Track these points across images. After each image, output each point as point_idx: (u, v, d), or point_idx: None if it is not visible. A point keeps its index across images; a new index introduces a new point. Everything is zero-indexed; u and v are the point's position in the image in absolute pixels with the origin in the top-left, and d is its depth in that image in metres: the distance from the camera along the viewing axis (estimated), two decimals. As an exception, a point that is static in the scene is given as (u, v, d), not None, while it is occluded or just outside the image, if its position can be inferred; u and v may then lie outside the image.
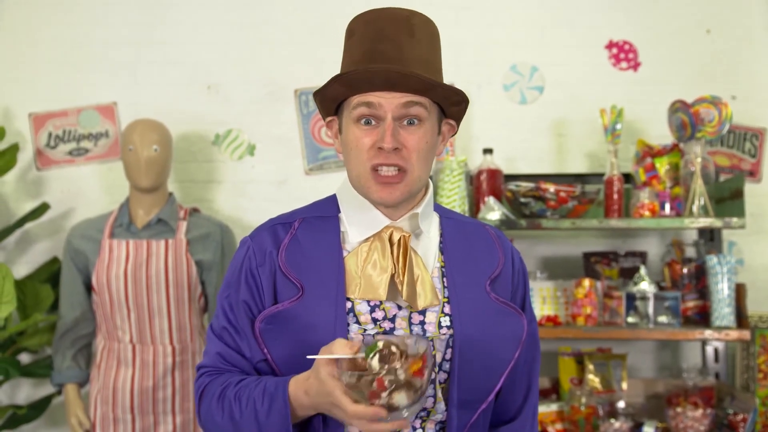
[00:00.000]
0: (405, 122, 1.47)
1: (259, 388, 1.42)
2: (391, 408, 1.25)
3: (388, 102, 1.45)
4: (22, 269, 3.40)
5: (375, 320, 1.47)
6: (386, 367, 1.25)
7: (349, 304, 1.47)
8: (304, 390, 1.37)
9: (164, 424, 2.86)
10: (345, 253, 1.52)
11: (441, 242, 1.58)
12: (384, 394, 1.24)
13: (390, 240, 1.50)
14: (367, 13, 1.51)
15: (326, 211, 1.58)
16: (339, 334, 1.42)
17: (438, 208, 1.65)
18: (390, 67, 1.42)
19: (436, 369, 1.47)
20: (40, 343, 3.18)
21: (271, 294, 1.49)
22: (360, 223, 1.53)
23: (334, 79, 1.46)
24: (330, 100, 1.53)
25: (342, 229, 1.55)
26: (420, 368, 1.25)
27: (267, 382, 1.42)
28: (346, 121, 1.50)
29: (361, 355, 1.29)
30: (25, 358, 3.37)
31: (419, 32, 1.48)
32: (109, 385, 2.86)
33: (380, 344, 1.28)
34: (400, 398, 1.25)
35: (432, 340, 1.46)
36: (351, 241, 1.54)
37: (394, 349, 1.27)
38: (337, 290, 1.46)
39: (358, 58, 1.47)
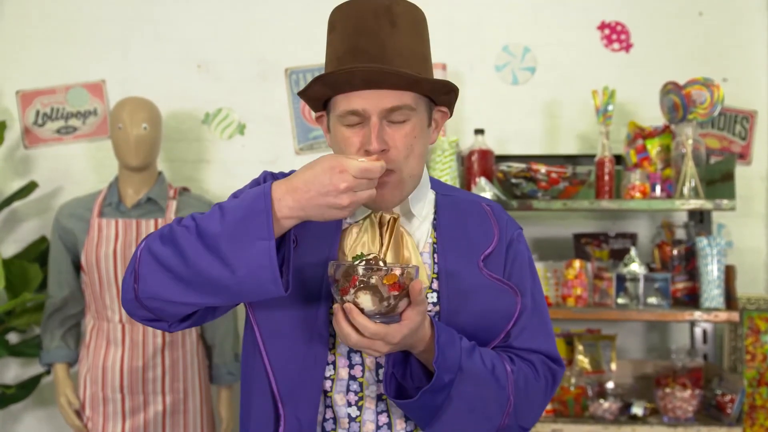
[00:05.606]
0: (392, 119, 1.45)
1: (235, 202, 1.38)
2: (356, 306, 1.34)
3: (372, 104, 1.43)
4: (9, 248, 3.38)
5: None
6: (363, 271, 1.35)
7: None
8: (290, 188, 1.36)
9: (154, 404, 2.86)
10: (345, 225, 1.54)
11: (435, 220, 1.57)
12: (352, 290, 1.33)
13: (380, 222, 1.50)
14: (347, 5, 1.47)
15: None
16: (324, 284, 1.48)
17: (437, 185, 1.64)
18: (370, 67, 1.39)
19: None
20: (28, 322, 3.17)
21: None
22: None
23: (315, 81, 1.44)
24: (315, 99, 1.52)
25: None
26: (393, 283, 1.33)
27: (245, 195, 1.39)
28: (334, 120, 1.50)
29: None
30: (13, 337, 3.36)
31: (402, 21, 1.45)
32: (98, 365, 2.85)
33: (371, 256, 1.39)
34: (365, 300, 1.33)
35: (417, 268, 1.44)
36: (348, 219, 1.54)
37: (382, 264, 1.37)
38: (328, 253, 1.50)
39: (339, 55, 1.45)
